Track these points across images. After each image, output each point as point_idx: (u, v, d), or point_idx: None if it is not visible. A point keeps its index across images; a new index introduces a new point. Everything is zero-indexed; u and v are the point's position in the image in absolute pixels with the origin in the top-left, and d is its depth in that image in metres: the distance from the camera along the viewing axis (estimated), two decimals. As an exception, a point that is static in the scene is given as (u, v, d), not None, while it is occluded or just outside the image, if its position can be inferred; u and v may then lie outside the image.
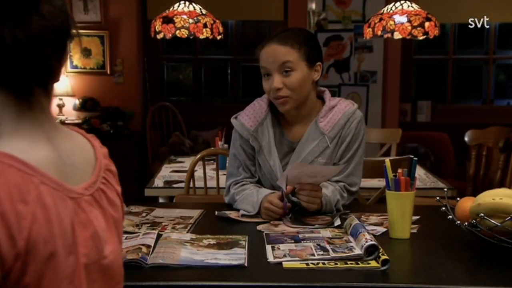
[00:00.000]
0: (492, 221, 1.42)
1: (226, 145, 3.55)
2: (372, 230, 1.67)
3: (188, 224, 1.74)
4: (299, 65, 1.88)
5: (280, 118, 2.01)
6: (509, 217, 1.40)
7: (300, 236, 1.58)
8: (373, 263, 1.36)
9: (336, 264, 1.36)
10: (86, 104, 5.39)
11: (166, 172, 3.34)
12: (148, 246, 1.43)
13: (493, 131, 4.26)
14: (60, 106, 5.39)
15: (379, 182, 2.90)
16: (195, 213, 1.87)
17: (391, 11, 3.41)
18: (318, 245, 1.49)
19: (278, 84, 1.87)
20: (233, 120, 2.03)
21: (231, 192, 2.00)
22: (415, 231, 1.66)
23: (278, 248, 1.47)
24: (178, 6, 3.53)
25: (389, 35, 3.37)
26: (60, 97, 5.39)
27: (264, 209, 1.82)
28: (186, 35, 3.45)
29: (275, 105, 1.94)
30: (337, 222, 1.76)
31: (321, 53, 1.99)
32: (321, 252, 1.42)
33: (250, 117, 1.99)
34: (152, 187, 3.02)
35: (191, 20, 3.44)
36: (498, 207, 1.45)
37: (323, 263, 1.36)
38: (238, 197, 1.95)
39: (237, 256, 1.41)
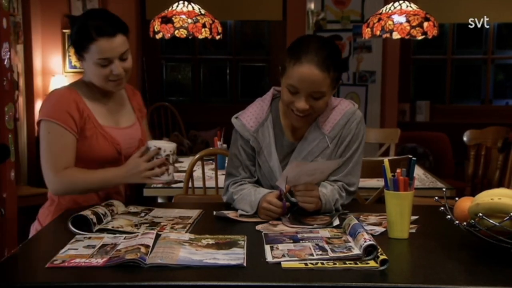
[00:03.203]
0: (491, 221, 1.42)
1: (225, 145, 3.55)
2: (371, 230, 1.67)
3: (187, 224, 1.73)
4: (329, 91, 1.87)
5: (281, 119, 2.01)
6: (508, 217, 1.40)
7: (299, 236, 1.58)
8: (372, 263, 1.36)
9: (335, 264, 1.36)
10: (85, 104, 5.38)
11: (165, 172, 3.34)
12: (147, 246, 1.43)
13: (491, 131, 4.27)
14: (59, 106, 5.38)
15: (378, 182, 2.90)
16: (194, 213, 1.87)
17: (390, 11, 3.41)
18: (317, 245, 1.49)
19: (306, 106, 1.84)
20: (233, 120, 2.03)
21: (229, 191, 2.00)
22: (413, 231, 1.66)
23: (277, 248, 1.47)
24: (177, 6, 3.53)
25: (387, 35, 3.37)
26: (59, 97, 5.38)
27: (262, 209, 1.82)
28: (185, 35, 3.45)
29: (290, 116, 1.91)
30: (336, 222, 1.75)
31: (343, 66, 1.97)
32: (320, 252, 1.42)
33: (251, 118, 1.99)
34: (151, 187, 3.02)
35: (190, 20, 3.44)
36: (496, 207, 1.45)
37: (322, 263, 1.36)
38: (236, 196, 1.95)
39: (236, 256, 1.41)
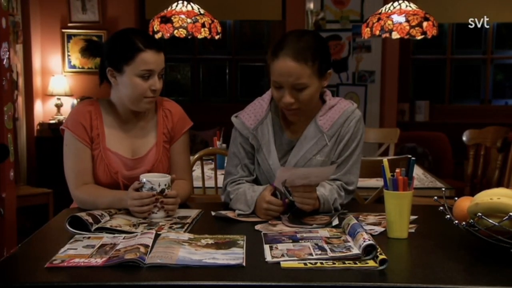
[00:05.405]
0: (490, 220, 1.42)
1: (224, 145, 3.56)
2: (370, 229, 1.67)
3: (185, 224, 1.74)
4: (312, 81, 1.86)
5: (280, 118, 2.01)
6: (507, 217, 1.40)
7: (298, 235, 1.58)
8: (371, 263, 1.36)
9: (334, 263, 1.36)
10: (84, 104, 5.39)
11: (164, 172, 3.34)
12: (146, 246, 1.43)
13: (491, 131, 4.27)
14: (58, 106, 5.38)
15: (377, 182, 2.90)
16: (193, 213, 1.87)
17: (389, 11, 3.41)
18: (316, 244, 1.49)
19: (291, 100, 1.87)
20: (233, 119, 2.04)
21: (227, 190, 2.00)
22: (413, 230, 1.66)
23: (276, 248, 1.47)
24: (176, 6, 3.53)
25: (387, 34, 3.37)
26: (58, 97, 5.38)
27: (263, 210, 1.82)
28: (184, 35, 3.45)
29: (284, 113, 1.95)
30: (335, 221, 1.76)
31: (330, 57, 1.95)
32: (319, 252, 1.42)
33: (250, 116, 2.00)
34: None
35: (189, 20, 3.44)
36: (496, 206, 1.45)
37: (321, 263, 1.36)
38: (232, 196, 1.95)
39: (235, 255, 1.41)
